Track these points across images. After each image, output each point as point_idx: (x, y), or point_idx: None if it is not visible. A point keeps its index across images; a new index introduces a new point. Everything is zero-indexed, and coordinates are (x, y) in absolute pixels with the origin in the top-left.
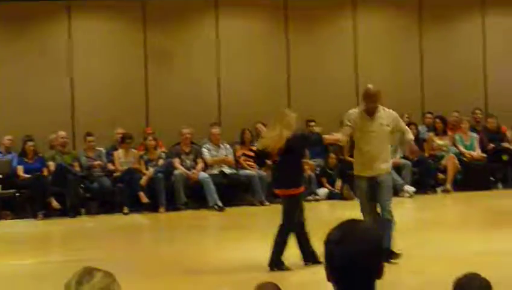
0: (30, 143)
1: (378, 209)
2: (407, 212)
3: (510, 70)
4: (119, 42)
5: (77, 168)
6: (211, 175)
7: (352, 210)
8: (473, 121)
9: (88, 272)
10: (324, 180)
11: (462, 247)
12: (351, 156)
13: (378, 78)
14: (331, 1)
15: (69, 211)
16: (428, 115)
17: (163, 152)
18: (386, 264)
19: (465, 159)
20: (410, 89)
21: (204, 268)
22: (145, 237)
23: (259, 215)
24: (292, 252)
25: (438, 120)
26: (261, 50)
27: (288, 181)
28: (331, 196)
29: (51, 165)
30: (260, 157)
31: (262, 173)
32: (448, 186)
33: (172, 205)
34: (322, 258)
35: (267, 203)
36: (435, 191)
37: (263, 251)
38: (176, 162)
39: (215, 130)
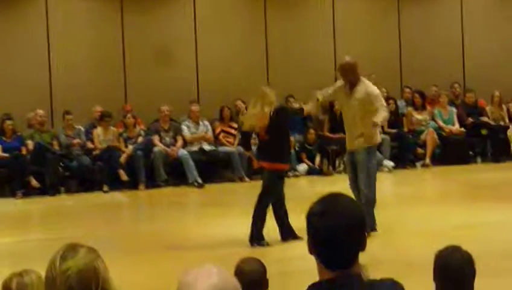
0: (8, 122)
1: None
2: (386, 187)
3: (488, 44)
4: (97, 20)
5: (56, 147)
6: (190, 152)
7: (331, 185)
8: (452, 96)
9: (72, 248)
10: (303, 156)
11: (441, 221)
12: (331, 131)
13: (356, 52)
14: None
15: (48, 189)
16: (407, 90)
17: (142, 130)
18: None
19: (443, 133)
20: (388, 63)
21: (185, 244)
22: (125, 215)
23: (239, 192)
24: (271, 228)
25: (416, 95)
26: (239, 26)
27: (275, 155)
28: (310, 172)
29: (30, 144)
30: (246, 139)
31: (243, 149)
32: (427, 160)
33: (152, 182)
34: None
35: (247, 179)
36: (414, 166)
37: (244, 227)
38: (155, 139)
39: (194, 107)
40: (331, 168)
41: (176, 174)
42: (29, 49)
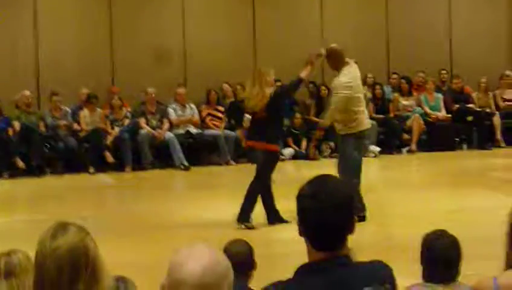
0: None
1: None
2: (372, 172)
3: (476, 31)
4: (85, 2)
5: (42, 128)
6: (177, 135)
7: (317, 170)
8: (439, 82)
9: (62, 227)
10: (290, 140)
11: (427, 206)
12: (317, 116)
13: (343, 39)
14: None
15: (34, 170)
16: (394, 76)
17: (129, 112)
18: None
19: (430, 119)
20: (375, 49)
21: (171, 226)
22: (111, 196)
23: (225, 175)
24: (259, 211)
25: (403, 81)
26: (227, 10)
27: (269, 136)
28: (296, 156)
29: (16, 125)
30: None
31: (229, 132)
32: (413, 146)
33: (138, 165)
34: (286, 217)
35: (233, 163)
36: (400, 152)
37: (230, 210)
38: (142, 122)
39: (181, 90)
40: (317, 152)
41: (162, 157)
42: (17, 31)
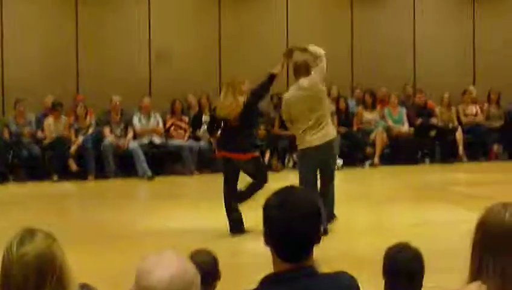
0: None
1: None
2: (335, 185)
3: (440, 46)
4: (50, 9)
5: (6, 135)
6: (141, 144)
7: (280, 182)
8: (403, 96)
9: (29, 233)
10: None
11: (390, 219)
12: (281, 128)
13: None
14: None
15: None
16: (358, 90)
17: (93, 120)
18: None
19: (393, 133)
20: (340, 63)
21: (135, 235)
22: (74, 205)
23: (188, 185)
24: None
25: (367, 94)
26: (192, 20)
27: (249, 145)
28: None
29: None
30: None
31: (193, 143)
32: (376, 160)
33: (102, 174)
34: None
35: (197, 172)
36: (363, 165)
37: (193, 219)
38: (106, 130)
39: (146, 99)
40: (280, 164)
41: (126, 167)
42: None
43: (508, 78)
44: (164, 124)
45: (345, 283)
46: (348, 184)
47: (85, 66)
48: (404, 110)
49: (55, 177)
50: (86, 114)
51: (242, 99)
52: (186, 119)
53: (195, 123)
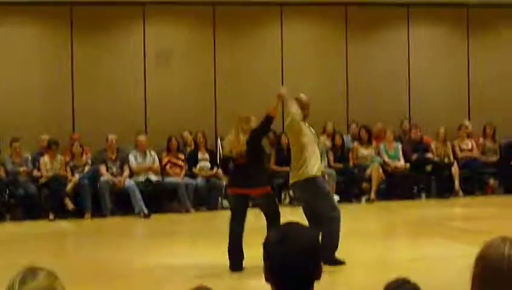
0: None
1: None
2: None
3: (433, 81)
4: (46, 47)
5: (2, 174)
6: (137, 182)
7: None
8: (400, 132)
9: (31, 271)
10: None
11: (387, 255)
12: (277, 164)
13: (304, 87)
14: (259, 10)
15: None
16: (353, 125)
17: (89, 159)
18: None
19: (389, 169)
20: (335, 98)
21: (131, 274)
22: (70, 243)
23: (185, 223)
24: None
25: (362, 130)
26: (188, 57)
27: (259, 180)
28: (255, 204)
29: None
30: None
31: (189, 180)
32: (372, 195)
33: (98, 212)
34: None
35: (193, 210)
36: (359, 200)
37: (189, 257)
38: (102, 168)
39: (142, 137)
40: (277, 201)
41: (122, 204)
42: None
43: (503, 112)
44: (160, 161)
45: None
46: (344, 220)
47: (81, 105)
48: (399, 146)
49: (51, 216)
50: (82, 152)
51: (244, 137)
52: (183, 156)
53: (192, 160)
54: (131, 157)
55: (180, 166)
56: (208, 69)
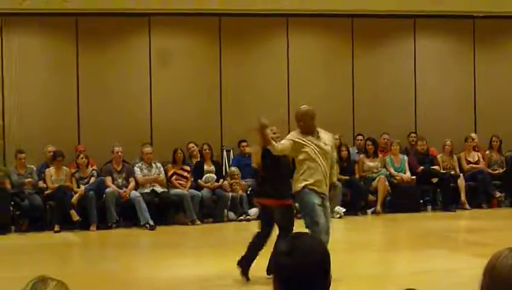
0: None
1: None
2: (337, 233)
3: (441, 93)
4: (52, 59)
5: (8, 186)
6: (143, 194)
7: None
8: (408, 145)
9: (42, 281)
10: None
11: (393, 267)
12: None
13: (310, 99)
14: (265, 21)
15: None
16: (359, 137)
17: (95, 170)
18: None
19: (395, 181)
20: (342, 111)
21: (136, 286)
22: (76, 255)
23: (190, 234)
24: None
25: (369, 142)
26: (193, 68)
27: (274, 191)
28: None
29: None
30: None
31: (195, 192)
32: (378, 207)
33: (104, 223)
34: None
35: (198, 222)
36: (365, 213)
37: (194, 269)
38: (108, 180)
39: (147, 149)
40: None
41: (128, 216)
42: None
43: (509, 124)
44: (166, 173)
45: None
46: (350, 232)
47: (86, 116)
48: (405, 158)
49: (57, 228)
50: (88, 164)
51: (257, 148)
52: (188, 168)
53: (197, 172)
54: (136, 169)
55: (186, 177)
56: (213, 81)
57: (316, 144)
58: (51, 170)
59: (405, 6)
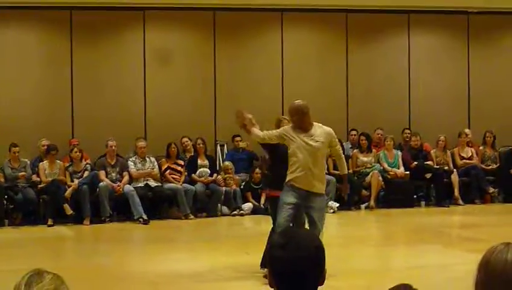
0: None
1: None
2: (331, 228)
3: (434, 89)
4: (46, 53)
5: (1, 179)
6: (136, 188)
7: None
8: (402, 141)
9: (37, 274)
10: (249, 195)
11: (386, 262)
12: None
13: (304, 94)
14: (259, 15)
15: None
16: (353, 132)
17: (89, 164)
18: None
19: (388, 176)
20: (335, 106)
21: (129, 280)
22: (69, 249)
23: (184, 229)
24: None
25: (362, 137)
26: (188, 63)
27: (270, 182)
28: (255, 211)
29: None
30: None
31: (189, 186)
32: (372, 202)
33: (97, 218)
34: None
35: (192, 216)
36: (358, 208)
37: (188, 263)
38: (101, 174)
39: (141, 143)
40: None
41: (122, 210)
42: None
43: (503, 120)
44: (160, 167)
45: None
46: (344, 227)
47: (80, 110)
48: (399, 154)
49: (50, 221)
50: (81, 158)
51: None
52: (182, 162)
53: (191, 166)
54: (130, 163)
55: (180, 172)
56: (208, 75)
57: (303, 140)
58: (44, 164)
59: (399, 1)
